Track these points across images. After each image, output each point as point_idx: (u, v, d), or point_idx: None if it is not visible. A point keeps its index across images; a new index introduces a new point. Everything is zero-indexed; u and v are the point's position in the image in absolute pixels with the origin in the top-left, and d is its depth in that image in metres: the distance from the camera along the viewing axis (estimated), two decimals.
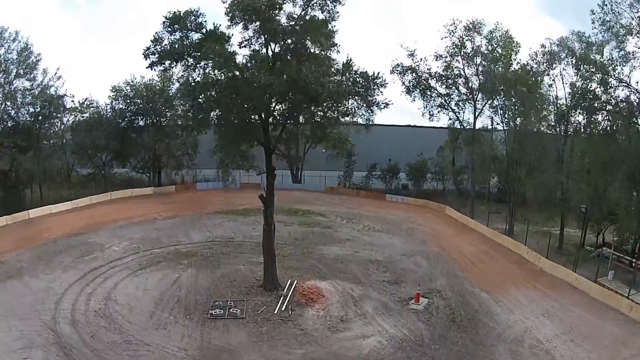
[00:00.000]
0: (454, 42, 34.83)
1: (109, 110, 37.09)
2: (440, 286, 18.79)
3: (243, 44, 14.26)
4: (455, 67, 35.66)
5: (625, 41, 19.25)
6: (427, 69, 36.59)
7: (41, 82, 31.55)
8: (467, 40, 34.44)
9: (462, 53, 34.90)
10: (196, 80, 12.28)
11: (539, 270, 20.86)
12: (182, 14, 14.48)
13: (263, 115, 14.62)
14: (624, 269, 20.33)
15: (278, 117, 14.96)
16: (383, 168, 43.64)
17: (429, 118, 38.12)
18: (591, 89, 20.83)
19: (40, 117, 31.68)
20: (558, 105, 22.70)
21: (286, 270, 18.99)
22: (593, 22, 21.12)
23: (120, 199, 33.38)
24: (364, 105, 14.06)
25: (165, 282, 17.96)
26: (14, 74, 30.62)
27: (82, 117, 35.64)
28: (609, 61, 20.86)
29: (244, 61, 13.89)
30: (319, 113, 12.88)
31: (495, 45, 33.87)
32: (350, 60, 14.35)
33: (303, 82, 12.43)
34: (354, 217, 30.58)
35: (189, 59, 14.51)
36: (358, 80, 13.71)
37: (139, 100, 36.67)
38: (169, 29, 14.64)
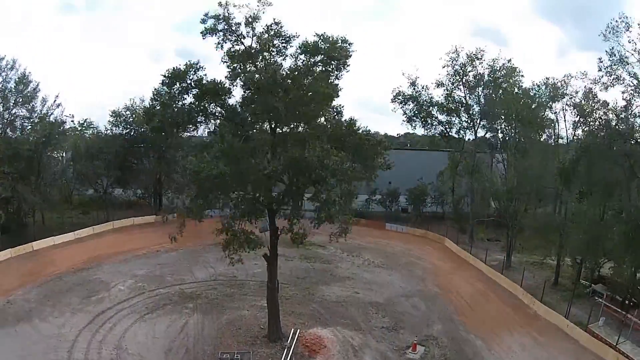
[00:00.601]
0: (455, 70, 36.47)
1: (109, 136, 38.35)
2: (437, 332, 19.98)
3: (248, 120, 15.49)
4: (457, 95, 37.32)
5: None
6: (429, 97, 38.25)
7: (41, 111, 32.80)
8: (469, 69, 36.05)
9: (463, 81, 36.52)
10: (202, 166, 13.21)
11: (533, 315, 22.06)
12: (182, 70, 15.47)
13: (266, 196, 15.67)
14: (616, 309, 21.52)
15: (282, 196, 16.04)
16: (383, 192, 45.02)
17: (430, 145, 39.77)
18: (596, 141, 21.30)
19: (40, 145, 32.77)
20: (560, 159, 23.61)
21: (289, 316, 20.14)
22: (600, 70, 22.00)
23: (123, 227, 34.48)
24: (366, 170, 15.34)
25: (173, 330, 19.05)
26: (13, 102, 31.77)
27: (82, 142, 36.87)
28: (615, 114, 21.40)
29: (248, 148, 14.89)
30: (323, 194, 13.99)
31: (497, 74, 35.47)
32: (354, 120, 15.65)
33: (305, 164, 13.58)
34: (354, 249, 31.78)
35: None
36: (363, 142, 14.97)
37: (139, 128, 37.99)
38: (169, 84, 15.70)
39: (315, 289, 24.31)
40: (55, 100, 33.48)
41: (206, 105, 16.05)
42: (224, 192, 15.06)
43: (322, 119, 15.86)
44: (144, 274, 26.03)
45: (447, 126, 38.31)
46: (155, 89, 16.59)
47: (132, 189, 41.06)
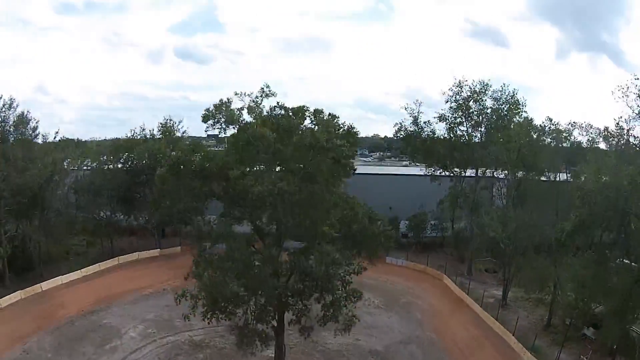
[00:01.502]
0: (458, 103, 38.32)
1: (111, 170, 39.70)
2: None
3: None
4: (460, 130, 39.12)
5: None
6: (431, 132, 40.15)
7: (41, 149, 34.13)
8: (472, 105, 37.78)
9: (466, 115, 38.28)
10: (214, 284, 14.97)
11: None
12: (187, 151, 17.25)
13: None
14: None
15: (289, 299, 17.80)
16: (383, 220, 47.01)
17: (431, 179, 41.71)
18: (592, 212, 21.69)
19: (43, 184, 33.58)
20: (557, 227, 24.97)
21: None
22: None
23: (128, 263, 36.26)
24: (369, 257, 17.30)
25: None
26: (12, 141, 32.84)
27: (85, 179, 38.24)
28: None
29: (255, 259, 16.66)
30: (329, 297, 15.84)
31: (502, 106, 37.17)
32: (360, 210, 17.54)
33: (310, 271, 15.45)
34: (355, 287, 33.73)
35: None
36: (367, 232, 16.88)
37: (141, 161, 39.60)
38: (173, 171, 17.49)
39: (318, 335, 26.12)
40: (55, 136, 35.23)
41: (213, 187, 17.81)
42: (235, 305, 16.73)
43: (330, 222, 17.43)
44: (153, 318, 27.90)
45: (449, 159, 40.11)
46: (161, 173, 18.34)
47: (135, 215, 42.71)
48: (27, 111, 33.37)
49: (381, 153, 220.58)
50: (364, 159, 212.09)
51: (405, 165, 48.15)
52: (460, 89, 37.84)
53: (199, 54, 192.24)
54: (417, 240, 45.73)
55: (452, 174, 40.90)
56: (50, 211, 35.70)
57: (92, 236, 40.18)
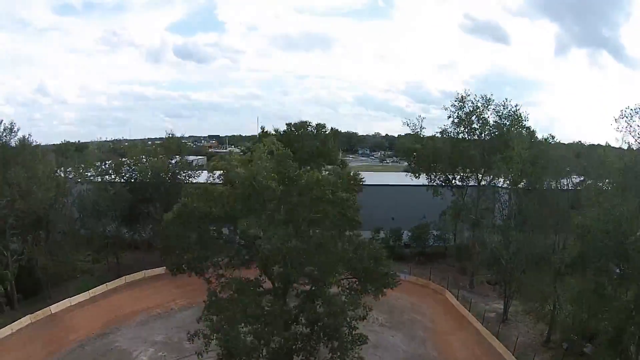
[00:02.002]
0: (460, 118, 39.08)
1: (112, 185, 40.37)
2: None
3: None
4: (461, 146, 39.85)
5: None
6: (433, 147, 40.97)
7: (44, 172, 34.74)
8: (474, 122, 38.51)
9: (468, 129, 38.97)
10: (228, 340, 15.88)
11: None
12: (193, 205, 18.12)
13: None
14: None
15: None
16: (386, 231, 48.07)
17: (433, 194, 42.59)
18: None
19: (48, 206, 34.16)
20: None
21: None
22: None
23: (135, 282, 37.21)
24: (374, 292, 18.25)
25: None
26: (16, 166, 33.26)
27: (89, 200, 38.86)
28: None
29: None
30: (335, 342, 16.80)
31: (504, 121, 37.85)
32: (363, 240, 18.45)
33: (318, 319, 16.35)
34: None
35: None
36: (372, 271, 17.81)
37: (144, 179, 40.32)
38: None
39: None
40: (56, 158, 35.86)
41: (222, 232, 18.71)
42: (249, 357, 17.69)
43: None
44: (163, 340, 28.90)
45: (451, 175, 40.97)
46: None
47: (139, 231, 43.53)
48: (29, 134, 34.29)
49: (383, 152, 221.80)
50: (365, 158, 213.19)
51: (406, 170, 48.90)
52: (462, 103, 38.54)
53: (198, 53, 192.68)
54: (419, 251, 46.78)
55: (454, 186, 41.78)
56: (55, 231, 36.55)
57: (98, 253, 41.04)
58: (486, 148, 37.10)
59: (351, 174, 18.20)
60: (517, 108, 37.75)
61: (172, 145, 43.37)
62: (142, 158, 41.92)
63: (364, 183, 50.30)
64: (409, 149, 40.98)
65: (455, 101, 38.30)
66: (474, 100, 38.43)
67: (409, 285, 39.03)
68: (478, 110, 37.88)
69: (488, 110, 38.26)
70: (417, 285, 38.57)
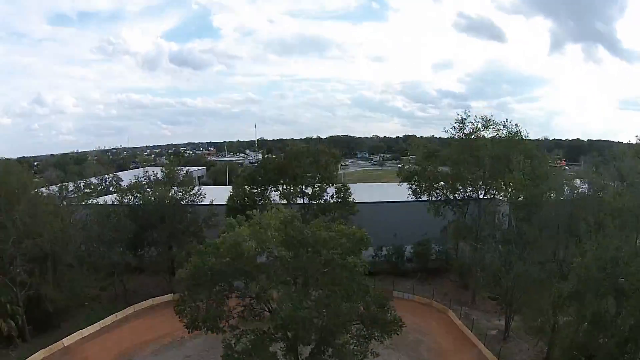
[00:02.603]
0: (461, 139, 40.31)
1: (116, 214, 41.18)
2: None
3: None
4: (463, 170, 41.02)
5: None
6: (435, 170, 42.24)
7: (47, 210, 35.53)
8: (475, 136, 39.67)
9: (470, 152, 40.11)
10: None
11: None
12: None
13: None
14: None
15: None
16: (389, 248, 49.34)
17: (434, 215, 43.78)
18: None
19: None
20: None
21: None
22: None
23: (143, 310, 38.32)
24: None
25: None
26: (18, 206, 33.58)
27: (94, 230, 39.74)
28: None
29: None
30: None
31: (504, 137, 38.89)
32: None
33: None
34: None
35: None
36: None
37: (150, 207, 41.35)
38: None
39: None
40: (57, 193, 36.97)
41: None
42: None
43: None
44: None
45: (452, 195, 42.19)
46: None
47: (144, 256, 44.48)
48: (31, 172, 35.30)
49: (382, 155, 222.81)
50: (364, 162, 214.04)
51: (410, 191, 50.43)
52: (462, 125, 39.79)
53: (194, 60, 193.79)
54: (421, 267, 47.99)
55: (454, 205, 42.95)
56: (62, 263, 37.35)
57: (104, 281, 41.98)
58: (488, 169, 38.30)
59: (359, 232, 19.34)
60: (518, 129, 38.99)
61: (173, 173, 44.30)
62: (145, 186, 42.91)
63: (365, 202, 51.81)
64: (410, 173, 42.27)
65: (456, 123, 39.61)
66: (474, 122, 39.74)
67: (412, 305, 40.38)
68: (478, 131, 39.15)
69: (488, 130, 39.52)
70: (420, 305, 39.85)
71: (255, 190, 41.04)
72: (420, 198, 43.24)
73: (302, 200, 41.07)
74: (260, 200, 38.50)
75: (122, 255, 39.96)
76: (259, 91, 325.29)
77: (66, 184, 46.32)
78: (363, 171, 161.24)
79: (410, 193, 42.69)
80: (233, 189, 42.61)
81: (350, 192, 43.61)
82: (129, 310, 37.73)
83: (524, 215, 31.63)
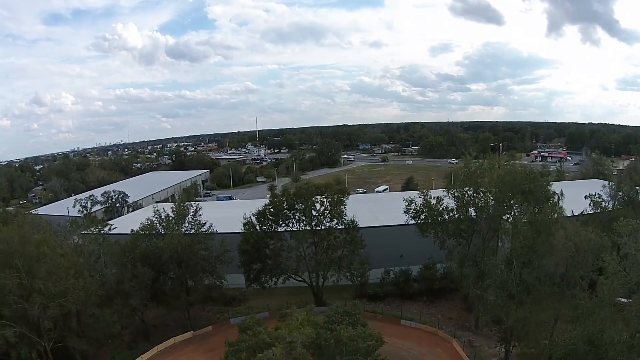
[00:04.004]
0: (466, 176, 42.50)
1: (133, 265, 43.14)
2: None
3: None
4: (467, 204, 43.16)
5: None
6: (441, 207, 44.50)
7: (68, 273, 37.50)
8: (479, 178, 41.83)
9: (475, 190, 42.27)
10: None
11: None
12: None
13: None
14: None
15: None
16: (395, 271, 52.12)
17: (440, 247, 46.18)
18: None
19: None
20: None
21: None
22: None
23: (166, 350, 41.51)
24: None
25: None
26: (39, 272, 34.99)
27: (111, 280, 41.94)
28: None
29: None
30: None
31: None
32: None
33: None
34: None
35: None
36: None
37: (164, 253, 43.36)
38: None
39: None
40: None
41: None
42: None
43: None
44: None
45: (457, 227, 44.55)
46: None
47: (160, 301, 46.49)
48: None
49: (384, 146, 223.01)
50: (366, 155, 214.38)
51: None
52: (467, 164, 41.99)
53: (191, 52, 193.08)
54: (427, 289, 50.86)
55: (459, 238, 45.23)
56: (85, 315, 39.41)
57: (125, 319, 44.65)
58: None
59: (373, 335, 22.10)
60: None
61: (183, 211, 46.16)
62: (157, 226, 45.05)
63: (372, 226, 54.12)
64: (417, 213, 44.71)
65: (461, 161, 41.70)
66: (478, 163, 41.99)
67: (418, 333, 43.51)
68: (484, 170, 41.30)
69: (492, 170, 41.64)
70: (426, 333, 42.94)
71: (265, 229, 43.71)
72: (426, 235, 45.63)
73: (312, 239, 43.81)
74: (272, 244, 41.29)
75: (141, 300, 42.32)
76: (258, 80, 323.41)
77: (76, 218, 48.43)
78: (367, 168, 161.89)
79: (417, 230, 45.20)
80: (244, 228, 45.23)
81: (357, 225, 46.16)
82: (152, 351, 40.93)
83: (524, 260, 33.83)
